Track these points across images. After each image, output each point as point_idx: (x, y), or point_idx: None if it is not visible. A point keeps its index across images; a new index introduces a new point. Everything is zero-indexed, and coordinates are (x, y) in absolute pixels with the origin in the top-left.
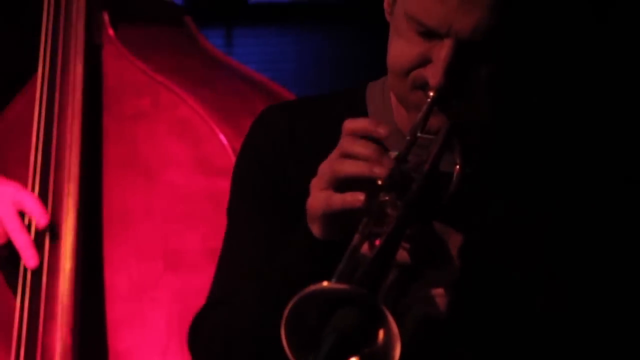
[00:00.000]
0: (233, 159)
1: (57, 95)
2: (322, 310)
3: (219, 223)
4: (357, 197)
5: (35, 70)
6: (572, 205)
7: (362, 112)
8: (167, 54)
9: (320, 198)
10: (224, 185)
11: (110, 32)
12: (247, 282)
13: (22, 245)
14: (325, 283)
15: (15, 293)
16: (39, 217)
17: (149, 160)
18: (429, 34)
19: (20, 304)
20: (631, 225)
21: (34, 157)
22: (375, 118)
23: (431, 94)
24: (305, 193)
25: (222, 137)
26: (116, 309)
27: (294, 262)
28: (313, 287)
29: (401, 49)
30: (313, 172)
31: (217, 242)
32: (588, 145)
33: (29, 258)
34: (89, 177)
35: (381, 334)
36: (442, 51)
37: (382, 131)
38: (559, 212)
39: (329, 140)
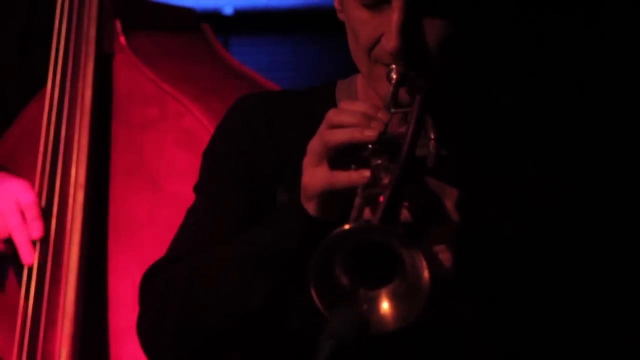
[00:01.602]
0: None
1: (66, 101)
2: (345, 260)
3: None
4: (363, 174)
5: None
6: (544, 181)
7: (332, 104)
8: (179, 62)
9: (318, 175)
10: None
11: (122, 40)
12: (217, 244)
13: (20, 242)
14: (346, 225)
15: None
16: (32, 221)
17: (155, 169)
18: (377, 4)
19: (23, 308)
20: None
21: (42, 163)
22: None
23: (394, 75)
24: (277, 173)
25: None
26: (120, 318)
27: (283, 238)
28: (339, 230)
29: (354, 31)
30: (285, 153)
31: None
32: (560, 126)
33: (25, 255)
34: (96, 184)
35: (408, 263)
36: (393, 15)
37: (382, 117)
38: (530, 187)
39: (300, 128)
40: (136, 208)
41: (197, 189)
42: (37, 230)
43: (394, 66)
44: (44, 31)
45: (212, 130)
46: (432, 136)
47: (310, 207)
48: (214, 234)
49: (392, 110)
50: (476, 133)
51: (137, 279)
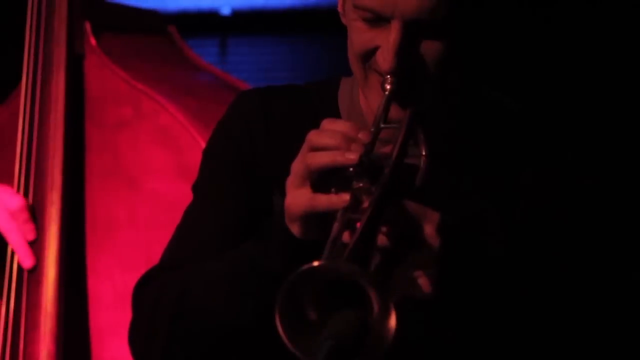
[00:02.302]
0: None
1: (38, 104)
2: (314, 295)
3: None
4: (342, 198)
5: (18, 80)
6: (538, 188)
7: (333, 106)
8: (150, 63)
9: (299, 198)
10: None
11: (93, 41)
12: (206, 256)
13: (17, 245)
14: (315, 262)
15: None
16: (24, 224)
17: (131, 168)
18: (376, 20)
19: (5, 313)
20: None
21: (18, 167)
22: (345, 112)
23: (388, 86)
24: (273, 176)
25: (203, 145)
26: (100, 318)
27: (268, 258)
28: (305, 267)
29: (352, 40)
30: (283, 156)
31: None
32: (555, 130)
33: (25, 258)
34: (72, 186)
35: (375, 307)
36: (391, 35)
37: (362, 137)
38: (530, 188)
39: (300, 127)
40: (114, 208)
41: (195, 188)
42: (30, 233)
43: (388, 77)
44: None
45: (188, 127)
46: (424, 152)
47: (294, 229)
48: (208, 239)
49: (382, 125)
50: (469, 144)
51: (117, 278)
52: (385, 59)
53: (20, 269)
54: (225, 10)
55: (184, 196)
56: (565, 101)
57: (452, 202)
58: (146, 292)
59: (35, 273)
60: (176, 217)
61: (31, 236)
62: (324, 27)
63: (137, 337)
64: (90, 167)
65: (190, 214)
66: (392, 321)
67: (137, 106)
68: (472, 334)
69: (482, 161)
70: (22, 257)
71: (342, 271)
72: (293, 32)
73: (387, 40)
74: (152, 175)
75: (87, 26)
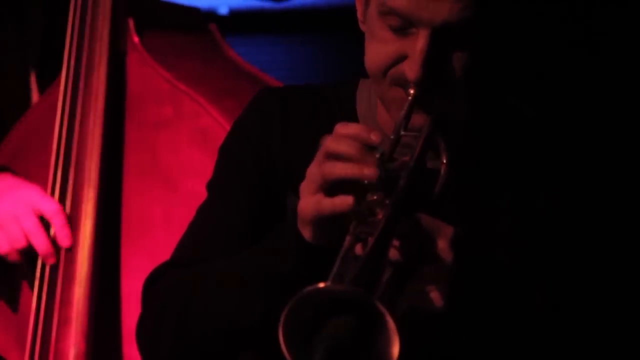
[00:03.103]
0: None
1: (79, 100)
2: (319, 312)
3: None
4: (346, 201)
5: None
6: (560, 196)
7: (351, 109)
8: (191, 62)
9: (310, 203)
10: None
11: (135, 39)
12: (217, 255)
13: (40, 246)
14: (321, 284)
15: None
16: (60, 229)
17: (169, 168)
18: (403, 29)
19: (35, 308)
20: (618, 218)
21: (55, 162)
22: (363, 117)
23: (412, 91)
24: (289, 177)
25: None
26: (133, 317)
27: (280, 262)
28: (309, 288)
29: (376, 49)
30: (299, 156)
31: None
32: (572, 141)
33: (47, 257)
34: (109, 184)
35: (379, 333)
36: (419, 43)
37: (374, 138)
38: (548, 203)
39: (317, 127)
40: (150, 207)
41: (210, 186)
42: (66, 239)
43: (412, 91)
44: (59, 31)
45: (228, 129)
46: (445, 160)
47: (306, 233)
48: (220, 238)
49: (402, 132)
50: (485, 155)
51: None
52: (412, 67)
53: (54, 264)
54: (223, 10)
55: None
56: (583, 109)
57: (467, 214)
58: (155, 289)
59: (68, 269)
60: None
61: (67, 242)
62: (322, 26)
63: (145, 334)
64: (128, 165)
65: (203, 212)
66: (395, 349)
67: (178, 106)
68: (483, 348)
69: (499, 172)
70: (45, 257)
71: (346, 295)
72: (291, 31)
73: (414, 49)
74: (190, 177)
75: (131, 23)
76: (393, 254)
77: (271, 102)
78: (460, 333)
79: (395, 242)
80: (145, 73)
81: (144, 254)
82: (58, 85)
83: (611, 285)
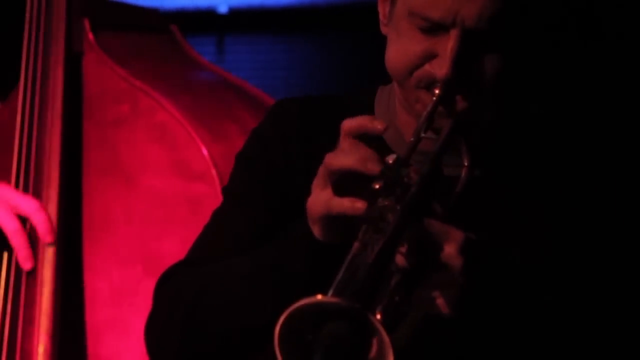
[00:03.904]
0: (211, 164)
1: (37, 101)
2: (317, 322)
3: (198, 227)
4: (355, 205)
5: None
6: (575, 203)
7: (370, 115)
8: (148, 61)
9: (320, 199)
10: (202, 190)
11: (91, 38)
12: (231, 255)
13: (19, 247)
14: (319, 296)
15: None
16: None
17: (128, 165)
18: (433, 29)
19: (2, 308)
20: (633, 223)
21: (17, 164)
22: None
23: (437, 91)
24: (306, 188)
25: (200, 142)
26: (97, 314)
27: (290, 259)
28: (305, 301)
29: (403, 48)
30: (315, 168)
31: None
32: (590, 145)
33: (25, 260)
34: (69, 183)
35: (374, 347)
36: (449, 42)
37: (378, 126)
38: (561, 210)
39: (335, 137)
40: (111, 204)
41: (225, 191)
42: (48, 235)
43: (436, 91)
44: (13, 30)
45: (185, 124)
46: (466, 163)
47: (315, 230)
48: (234, 242)
49: (422, 134)
50: (512, 157)
51: (114, 274)
52: (441, 65)
53: (18, 264)
54: (223, 9)
55: (179, 192)
56: (604, 111)
57: (488, 219)
58: (166, 286)
59: (32, 269)
60: (171, 214)
61: (50, 238)
62: (321, 25)
63: (154, 331)
64: (88, 164)
65: (218, 216)
66: None
67: (135, 103)
68: (492, 355)
69: (521, 178)
70: (23, 259)
71: (344, 308)
72: (290, 30)
73: (443, 49)
74: (149, 172)
75: (86, 23)
76: (400, 259)
77: (289, 111)
78: (470, 340)
79: (403, 248)
80: (101, 72)
81: (106, 252)
82: (19, 90)
83: (634, 292)
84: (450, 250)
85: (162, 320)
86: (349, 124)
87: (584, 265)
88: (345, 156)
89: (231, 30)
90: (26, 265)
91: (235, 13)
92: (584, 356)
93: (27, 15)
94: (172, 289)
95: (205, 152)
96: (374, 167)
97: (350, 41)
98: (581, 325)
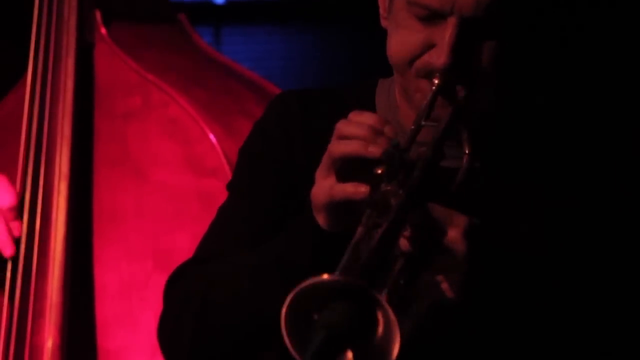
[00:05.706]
0: (223, 159)
1: (48, 93)
2: (324, 301)
3: (208, 222)
4: (358, 189)
5: (26, 68)
6: (578, 194)
7: (370, 108)
8: (160, 53)
9: (323, 187)
10: (214, 185)
11: (103, 30)
12: (238, 249)
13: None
14: (325, 275)
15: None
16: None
17: (139, 159)
18: (431, 18)
19: (9, 302)
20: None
21: (25, 155)
22: (382, 113)
23: (436, 81)
24: (309, 179)
25: (212, 137)
26: (106, 308)
27: (296, 250)
28: (312, 280)
29: (402, 39)
30: (318, 160)
31: None
32: (595, 137)
33: (5, 247)
34: (80, 176)
35: (380, 326)
36: (447, 31)
37: (387, 131)
38: (564, 199)
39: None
40: (121, 198)
41: (230, 186)
42: (16, 230)
43: (436, 81)
44: (24, 22)
45: (197, 118)
46: (467, 151)
47: (320, 219)
48: (240, 237)
49: (423, 122)
50: (514, 146)
51: (123, 268)
52: (440, 54)
53: (27, 258)
54: (219, 0)
55: (191, 187)
56: (610, 103)
57: (491, 205)
58: (176, 285)
59: (41, 262)
60: (182, 209)
61: (17, 233)
62: (318, 16)
63: (166, 329)
64: (98, 157)
65: (223, 212)
66: (395, 346)
67: (147, 97)
68: (497, 340)
69: (523, 165)
70: (3, 246)
71: (350, 287)
72: (287, 21)
73: (442, 38)
74: (160, 166)
75: (98, 15)
76: (403, 244)
77: (291, 104)
78: (473, 324)
79: (407, 233)
80: (113, 64)
81: (116, 245)
82: (26, 79)
83: (636, 277)
84: (454, 235)
85: (173, 320)
86: (358, 117)
87: (586, 253)
88: (346, 142)
89: (228, 21)
90: (7, 251)
91: (231, 4)
92: (586, 340)
93: (37, 4)
94: (182, 288)
95: (218, 147)
96: (375, 151)
97: (346, 31)
98: (583, 310)
